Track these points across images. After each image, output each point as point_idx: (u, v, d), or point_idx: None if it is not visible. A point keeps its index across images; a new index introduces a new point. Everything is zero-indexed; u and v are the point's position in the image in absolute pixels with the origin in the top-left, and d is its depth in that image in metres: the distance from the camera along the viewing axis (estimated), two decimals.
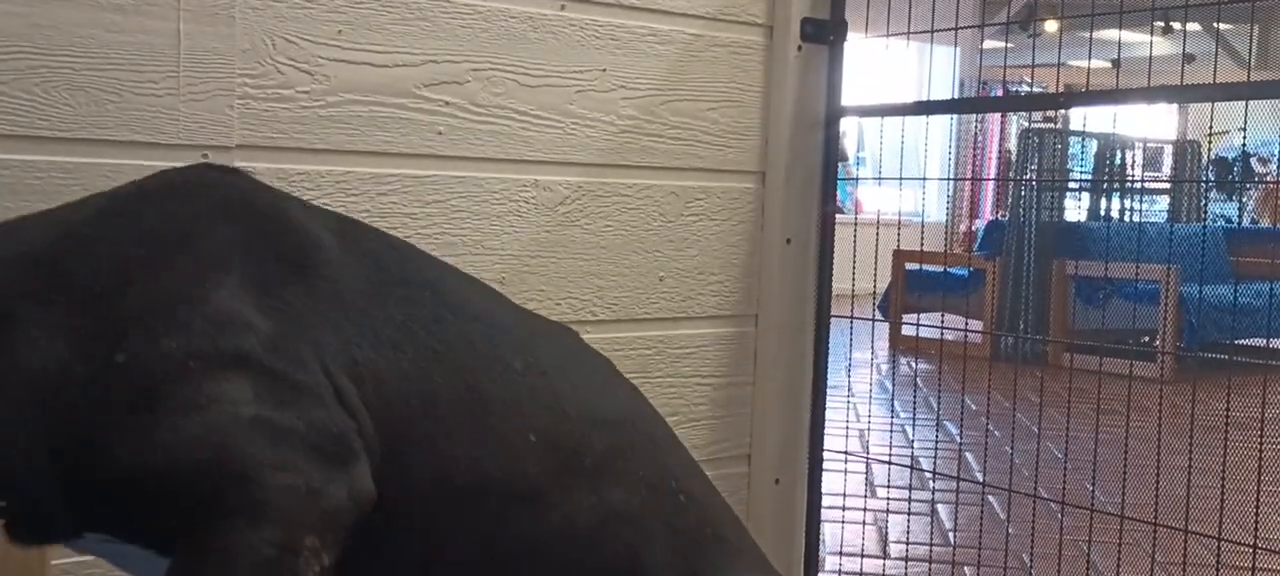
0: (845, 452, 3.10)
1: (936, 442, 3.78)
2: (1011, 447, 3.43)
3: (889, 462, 2.64)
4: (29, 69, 1.37)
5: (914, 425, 4.41)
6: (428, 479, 0.96)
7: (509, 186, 1.72)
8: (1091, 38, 1.94)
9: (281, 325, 0.92)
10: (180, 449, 0.86)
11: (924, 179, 2.73)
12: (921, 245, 7.47)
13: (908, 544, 2.94)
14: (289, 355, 0.91)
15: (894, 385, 5.74)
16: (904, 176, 2.32)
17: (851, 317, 2.15)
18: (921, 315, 6.54)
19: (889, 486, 3.24)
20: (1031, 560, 2.55)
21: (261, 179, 1.51)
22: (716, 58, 1.89)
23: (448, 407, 0.97)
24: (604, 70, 1.78)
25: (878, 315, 6.61)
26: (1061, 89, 2.80)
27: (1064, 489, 1.99)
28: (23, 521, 0.90)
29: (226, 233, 0.97)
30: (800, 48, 1.92)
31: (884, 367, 6.39)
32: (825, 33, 1.94)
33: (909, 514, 3.04)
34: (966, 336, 3.98)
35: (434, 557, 0.96)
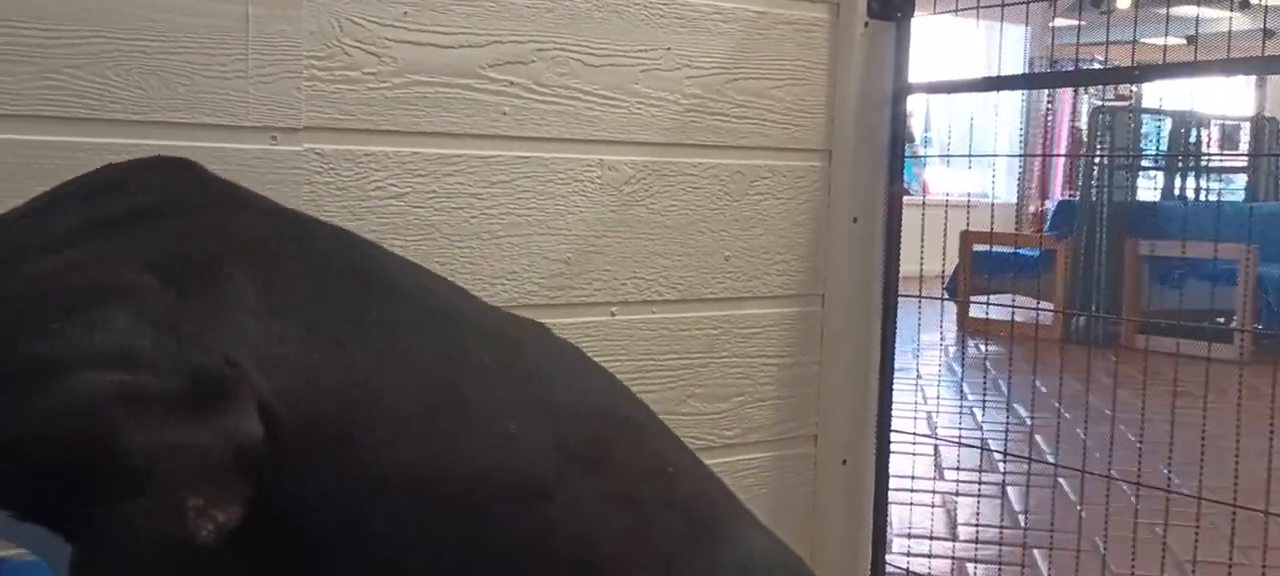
0: (913, 434, 3.07)
1: (1007, 425, 3.73)
2: (1084, 430, 3.37)
3: (959, 443, 2.60)
4: (102, 53, 1.39)
5: (985, 407, 4.36)
6: (402, 482, 0.91)
7: (574, 166, 1.72)
8: (1168, 13, 1.89)
9: (171, 315, 0.88)
10: (34, 424, 0.83)
11: (993, 155, 2.68)
12: (991, 226, 7.37)
13: (977, 526, 2.90)
14: (165, 336, 0.87)
15: (963, 367, 5.67)
16: (972, 156, 2.29)
17: (920, 297, 2.12)
18: (990, 297, 6.45)
19: (959, 468, 3.20)
20: (1105, 543, 2.51)
21: (329, 160, 1.53)
22: (782, 35, 1.87)
23: (415, 407, 0.93)
24: (669, 49, 1.77)
25: (945, 297, 6.53)
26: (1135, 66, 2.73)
27: (1140, 471, 1.95)
28: None
29: (138, 228, 0.95)
30: (867, 24, 1.90)
31: (952, 350, 6.32)
32: (892, 9, 1.91)
33: (979, 496, 3.00)
34: (1038, 317, 3.91)
35: (427, 564, 0.92)
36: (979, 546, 2.65)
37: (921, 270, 2.11)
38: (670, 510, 1.01)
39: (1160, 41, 1.99)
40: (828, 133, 1.93)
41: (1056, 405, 3.41)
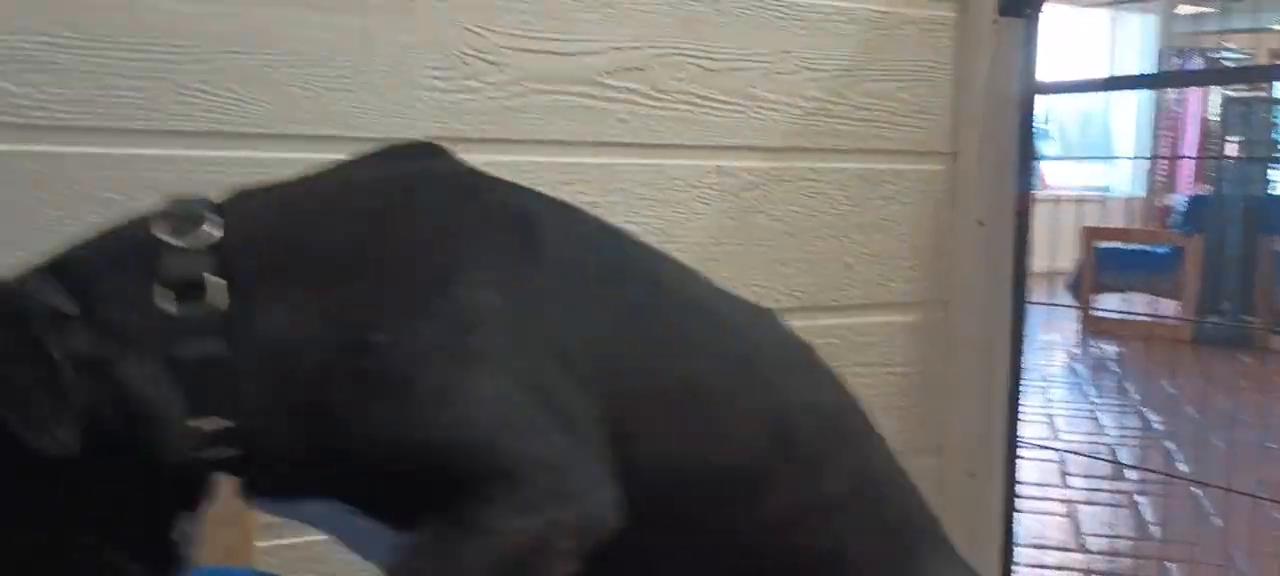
0: (1042, 444, 2.97)
1: (1140, 434, 3.60)
2: (1217, 436, 3.23)
3: (1092, 456, 2.51)
4: (228, 68, 1.41)
5: (1113, 413, 4.21)
6: (652, 467, 0.93)
7: (692, 173, 1.69)
8: None
9: (523, 316, 0.90)
10: (440, 435, 0.84)
11: (1116, 157, 2.58)
12: (1123, 222, 7.14)
13: (1111, 537, 2.80)
14: (535, 352, 0.89)
15: (1088, 370, 5.50)
16: (1094, 150, 2.20)
17: (1048, 304, 2.05)
18: (1115, 296, 6.25)
19: (1090, 477, 3.09)
20: (1242, 558, 2.40)
21: None
22: (906, 35, 1.82)
23: (669, 396, 0.94)
24: (789, 51, 1.74)
25: (1068, 296, 6.35)
26: (1270, 56, 2.60)
27: None
28: (267, 476, 0.90)
29: (458, 215, 0.96)
30: (995, 21, 1.83)
31: (1075, 351, 6.14)
32: (1022, 4, 1.84)
33: (1112, 505, 2.90)
34: (1166, 317, 3.77)
35: (656, 544, 0.94)
36: (1111, 558, 2.56)
37: (1042, 266, 2.04)
38: (874, 526, 1.00)
39: None
40: (953, 135, 1.87)
41: (1185, 409, 3.27)
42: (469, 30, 1.53)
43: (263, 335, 0.87)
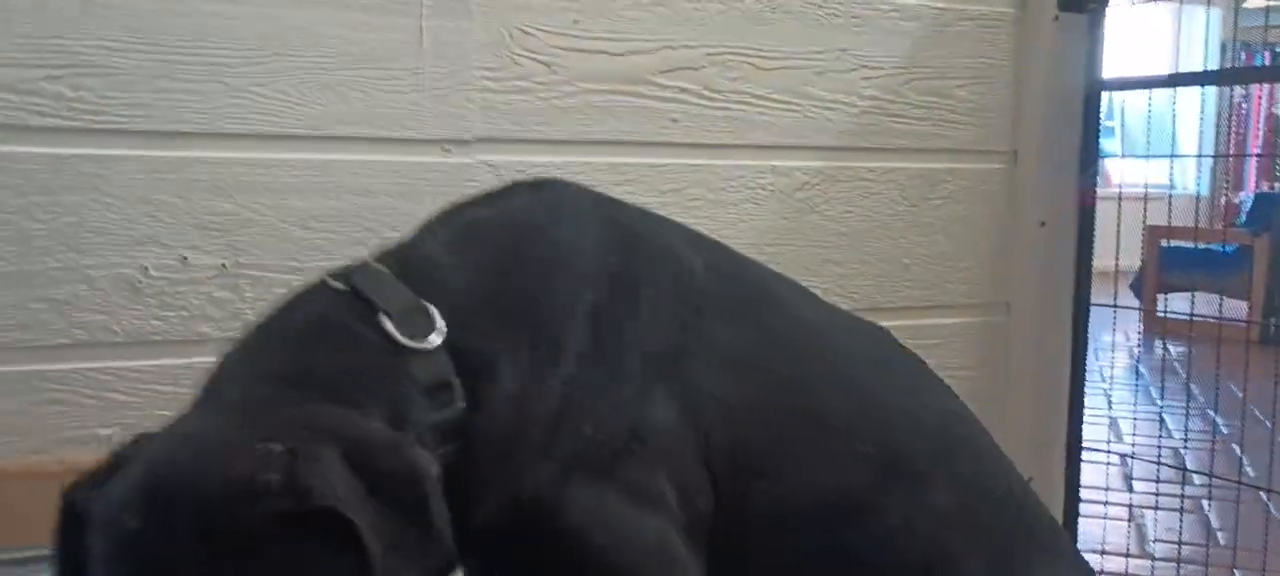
0: (1107, 450, 2.91)
1: (1207, 438, 3.52)
2: None
3: (1157, 463, 2.45)
4: (283, 70, 1.41)
5: (1179, 415, 4.13)
6: (767, 508, 0.94)
7: (745, 173, 1.67)
8: None
9: (675, 394, 0.92)
10: (625, 540, 0.87)
11: (1180, 155, 2.52)
12: (1188, 221, 7.00)
13: (1176, 543, 2.73)
14: (684, 444, 0.91)
15: (1160, 373, 5.40)
16: (1159, 148, 2.15)
17: (1110, 305, 2.01)
18: (1179, 296, 6.13)
19: (1155, 482, 3.02)
20: None
21: (500, 171, 1.52)
22: (964, 32, 1.78)
23: (790, 431, 0.96)
24: (844, 49, 1.71)
25: (1131, 296, 6.23)
26: None
27: None
28: None
29: (624, 270, 0.97)
30: (1056, 17, 1.79)
31: (1136, 352, 6.02)
32: (1083, 0, 1.80)
33: (1177, 510, 2.83)
34: (1233, 320, 3.68)
35: (767, 565, 0.95)
36: (1176, 565, 2.50)
37: (1107, 266, 1.99)
38: (983, 534, 1.00)
39: None
40: (1013, 133, 1.83)
41: (1255, 413, 3.19)
42: (521, 31, 1.52)
43: (483, 430, 0.87)
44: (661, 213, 1.61)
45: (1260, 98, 10.10)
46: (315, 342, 0.87)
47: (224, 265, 1.42)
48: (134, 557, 0.72)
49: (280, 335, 0.89)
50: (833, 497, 0.95)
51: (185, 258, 1.40)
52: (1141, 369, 5.46)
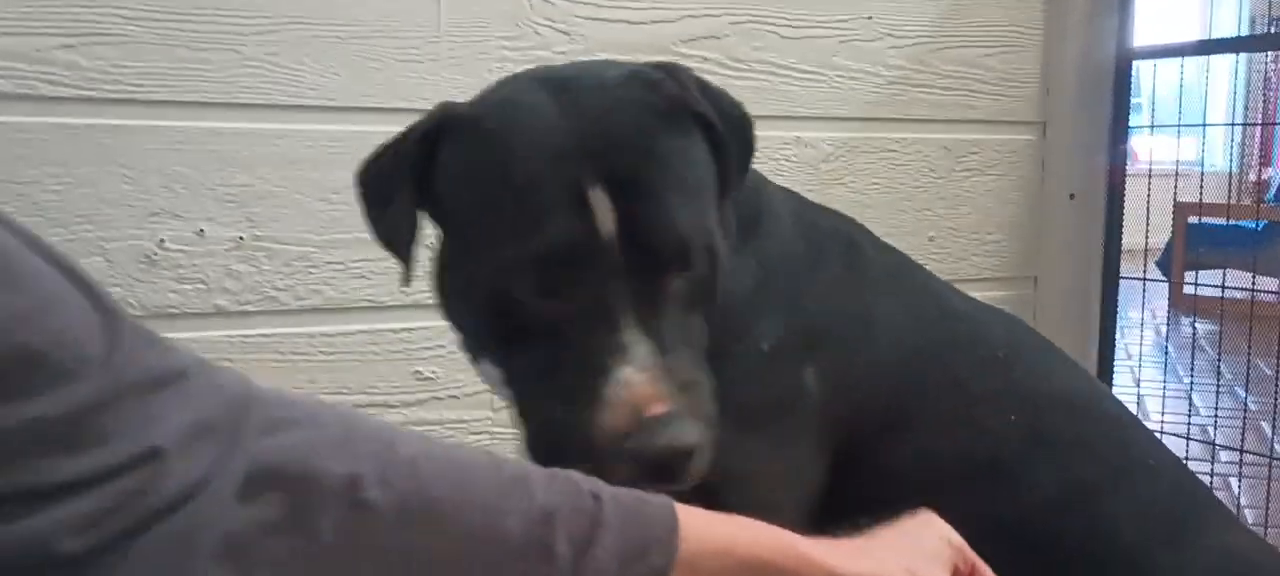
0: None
1: (1235, 414, 3.47)
2: None
3: (1187, 437, 2.42)
4: (300, 41, 1.39)
5: (1207, 392, 4.08)
6: (920, 456, 1.02)
7: (769, 144, 1.64)
8: None
9: (832, 361, 1.01)
10: (754, 481, 0.94)
11: (1208, 124, 2.47)
12: (1217, 197, 6.92)
13: None
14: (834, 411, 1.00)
15: (1187, 351, 5.34)
16: (1187, 120, 2.11)
17: (1140, 278, 1.97)
18: (1207, 273, 6.06)
19: (1183, 458, 2.98)
20: None
21: None
22: (993, 0, 1.75)
23: (939, 395, 1.04)
24: (870, 17, 1.68)
25: (1157, 273, 6.17)
26: None
27: None
28: None
29: (810, 244, 1.07)
30: None
31: (1163, 329, 5.96)
32: None
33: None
34: (1260, 292, 3.62)
35: None
36: None
37: (1140, 243, 1.96)
38: (1139, 506, 1.04)
39: None
40: (1042, 104, 1.80)
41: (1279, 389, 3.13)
42: (541, 0, 1.50)
43: None
44: None
45: None
46: None
47: (241, 237, 1.40)
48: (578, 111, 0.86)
49: None
50: (981, 465, 1.02)
51: (202, 230, 1.38)
52: (1169, 347, 5.40)
